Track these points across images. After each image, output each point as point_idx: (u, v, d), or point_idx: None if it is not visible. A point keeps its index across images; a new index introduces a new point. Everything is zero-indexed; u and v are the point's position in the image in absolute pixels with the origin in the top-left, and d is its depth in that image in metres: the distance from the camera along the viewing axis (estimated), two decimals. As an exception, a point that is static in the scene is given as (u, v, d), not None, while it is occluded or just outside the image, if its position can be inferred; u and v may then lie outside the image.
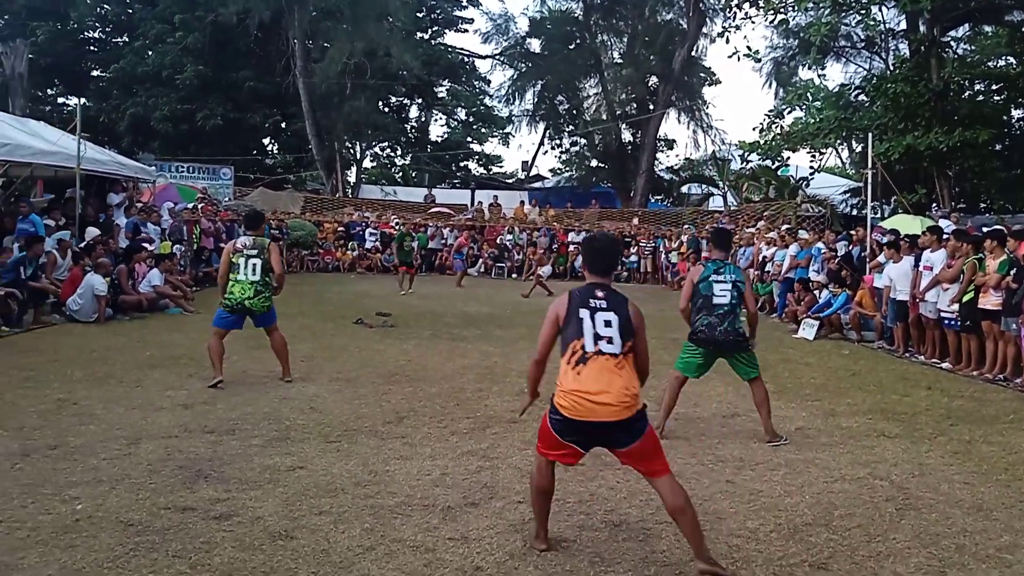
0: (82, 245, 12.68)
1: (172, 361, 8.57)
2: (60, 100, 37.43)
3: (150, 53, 32.77)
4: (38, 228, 12.56)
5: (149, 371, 8.17)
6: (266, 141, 38.93)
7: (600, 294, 4.10)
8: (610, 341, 4.00)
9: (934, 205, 19.57)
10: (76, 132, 14.25)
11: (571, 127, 36.82)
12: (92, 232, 13.37)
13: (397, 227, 25.29)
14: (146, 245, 14.05)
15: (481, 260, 25.19)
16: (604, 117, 34.36)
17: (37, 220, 12.91)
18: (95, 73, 36.38)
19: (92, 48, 36.89)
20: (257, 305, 7.75)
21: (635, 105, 33.85)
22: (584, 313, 4.03)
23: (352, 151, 36.79)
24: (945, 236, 10.95)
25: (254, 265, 7.71)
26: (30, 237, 11.73)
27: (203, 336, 10.30)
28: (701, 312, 6.41)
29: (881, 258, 12.03)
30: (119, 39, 36.21)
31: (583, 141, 36.40)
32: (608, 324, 4.03)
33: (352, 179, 36.17)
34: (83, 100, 21.63)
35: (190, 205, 18.98)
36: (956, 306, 9.92)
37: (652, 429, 4.11)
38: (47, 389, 7.21)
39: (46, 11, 33.01)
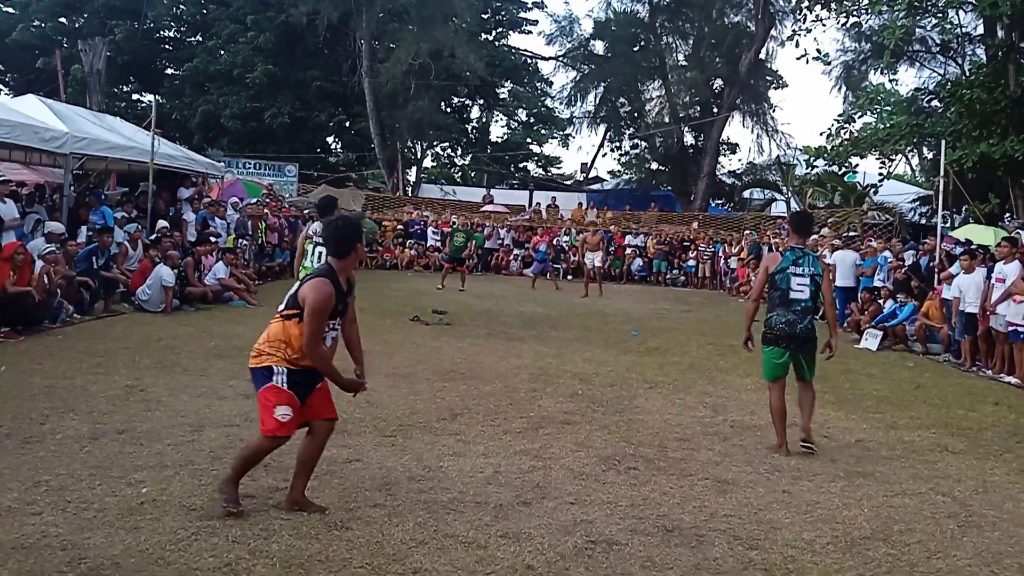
0: (151, 237, 13.08)
1: (235, 352, 8.77)
2: (135, 97, 38.67)
3: (222, 52, 33.63)
4: (107, 219, 13.01)
5: (214, 361, 8.39)
6: (330, 139, 39.62)
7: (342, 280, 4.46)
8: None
9: (1007, 215, 18.92)
10: (150, 128, 14.71)
11: (632, 129, 36.59)
12: (161, 225, 13.77)
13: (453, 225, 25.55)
14: (213, 239, 14.43)
15: (536, 261, 25.19)
16: (666, 120, 34.07)
17: (107, 212, 13.39)
18: (169, 71, 37.51)
19: (167, 47, 38.04)
20: None
21: (698, 108, 33.49)
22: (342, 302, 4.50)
23: (413, 150, 37.18)
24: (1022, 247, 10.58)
25: (320, 252, 7.69)
26: (100, 228, 12.17)
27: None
28: (778, 307, 6.09)
29: (954, 268, 11.68)
30: (193, 38, 37.27)
31: (644, 144, 36.15)
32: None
33: (412, 178, 36.56)
34: (157, 97, 22.35)
35: (255, 201, 19.39)
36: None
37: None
38: (116, 375, 7.46)
39: (124, 10, 34.14)
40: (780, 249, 6.63)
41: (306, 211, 22.78)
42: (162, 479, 4.76)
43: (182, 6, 36.84)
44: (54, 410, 6.13)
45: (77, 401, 6.45)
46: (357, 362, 4.78)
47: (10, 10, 35.11)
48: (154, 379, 7.39)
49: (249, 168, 29.06)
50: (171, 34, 38.40)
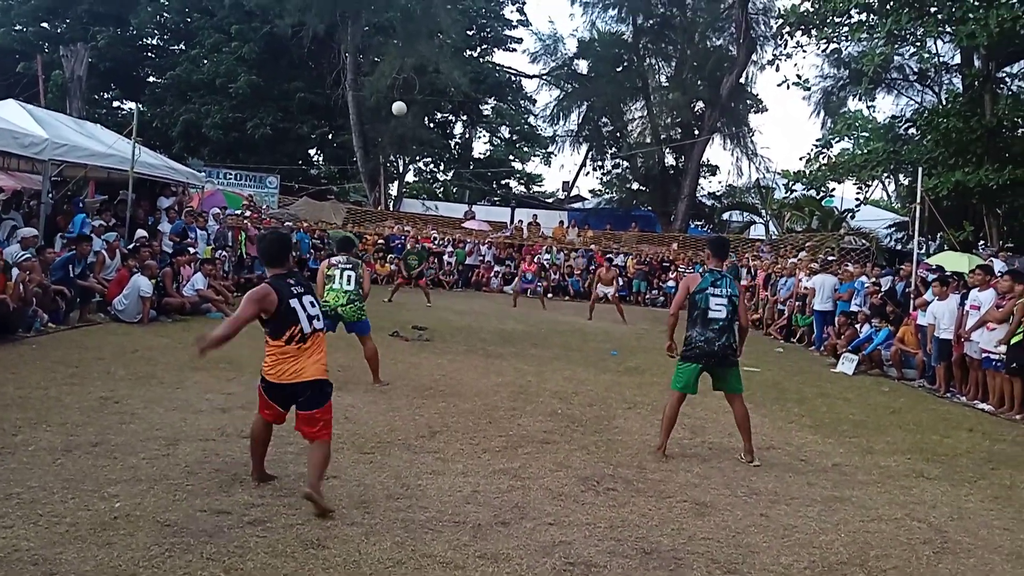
0: (130, 247, 12.96)
1: (212, 365, 8.68)
2: (116, 104, 38.40)
3: (205, 61, 33.49)
4: (75, 227, 12.91)
5: (190, 373, 8.31)
6: (312, 151, 39.48)
7: (291, 281, 4.86)
8: (318, 319, 4.88)
9: (981, 243, 19.20)
10: (131, 136, 14.60)
11: (614, 149, 36.79)
12: (140, 234, 13.66)
13: (435, 241, 25.52)
14: (191, 249, 14.32)
15: (517, 279, 25.21)
16: (648, 140, 34.30)
17: (77, 220, 13.26)
18: (151, 79, 37.28)
19: (150, 54, 37.82)
20: (348, 312, 8.49)
21: (680, 129, 33.74)
22: (293, 302, 4.75)
23: (396, 165, 37.15)
24: (999, 273, 10.73)
25: (348, 276, 8.55)
26: (76, 236, 12.06)
27: (242, 341, 10.42)
28: (696, 325, 6.48)
29: (928, 295, 11.82)
30: (176, 47, 37.07)
31: (625, 163, 36.35)
32: (313, 304, 4.87)
33: (394, 192, 36.52)
34: (139, 105, 22.21)
35: (237, 211, 19.29)
36: (1002, 347, 9.71)
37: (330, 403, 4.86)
38: (91, 386, 7.37)
39: (107, 16, 33.95)
40: (701, 271, 7.06)
41: (286, 223, 22.70)
42: (136, 493, 4.70)
43: (166, 14, 36.66)
44: (27, 421, 6.04)
45: (51, 412, 6.35)
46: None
47: (-9, 14, 34.84)
48: (129, 391, 7.30)
49: (230, 179, 28.94)
50: (154, 42, 38.19)
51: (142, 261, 12.17)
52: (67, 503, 4.48)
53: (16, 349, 8.97)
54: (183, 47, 36.21)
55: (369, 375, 8.63)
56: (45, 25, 35.26)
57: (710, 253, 7.12)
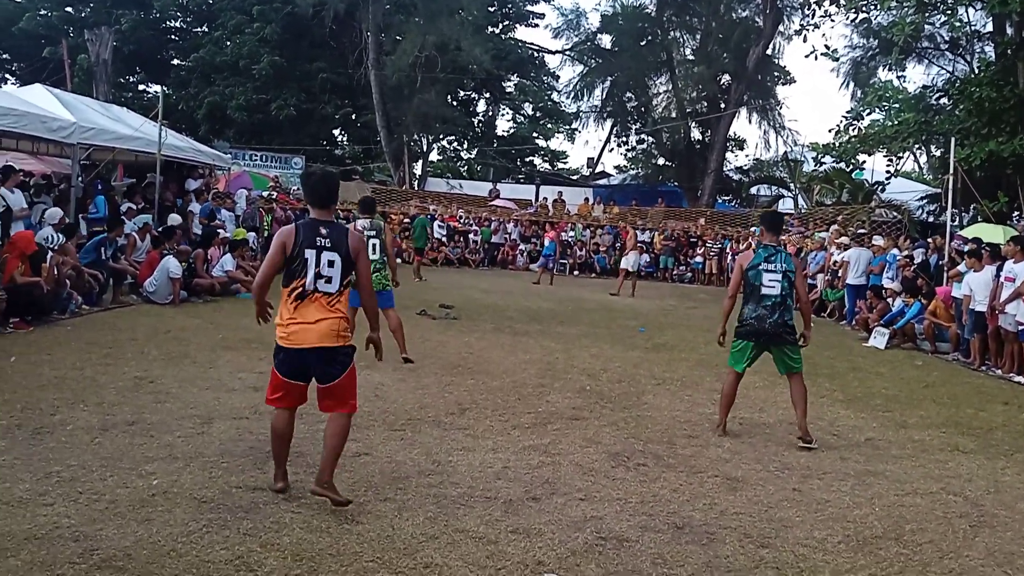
0: (160, 229, 13.08)
1: (243, 344, 8.78)
2: (141, 87, 38.67)
3: (228, 43, 33.60)
4: (98, 209, 13.06)
5: (222, 352, 8.40)
6: (336, 132, 39.56)
7: (324, 231, 4.37)
8: (328, 281, 4.36)
9: (1016, 214, 18.85)
10: (158, 119, 14.69)
11: (639, 124, 36.48)
12: (175, 219, 13.77)
13: (461, 220, 25.52)
14: (220, 231, 14.42)
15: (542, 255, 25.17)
16: (673, 115, 33.97)
17: (99, 201, 13.40)
18: (175, 62, 37.47)
19: (173, 37, 38.01)
20: (376, 282, 7.94)
21: (706, 103, 33.39)
22: (310, 253, 4.32)
23: (419, 144, 37.12)
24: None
25: (373, 244, 8.18)
26: (109, 220, 12.22)
27: (273, 320, 10.56)
28: (749, 302, 6.34)
29: (962, 267, 11.63)
30: (199, 29, 37.22)
31: (650, 139, 36.06)
32: (331, 264, 4.35)
33: (418, 172, 36.52)
34: (164, 88, 22.32)
35: (265, 193, 19.39)
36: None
37: (354, 368, 4.49)
38: (125, 367, 7.47)
39: (130, 0, 34.11)
40: (754, 247, 6.68)
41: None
42: (172, 471, 4.77)
43: (188, -4, 36.81)
44: (64, 401, 6.14)
45: (87, 392, 6.45)
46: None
47: (17, -1, 35.14)
48: (163, 371, 7.39)
49: (255, 160, 29.10)
50: (177, 24, 38.36)
51: (174, 245, 12.28)
52: (106, 481, 4.55)
53: (51, 331, 9.11)
54: (206, 29, 36.35)
55: (397, 351, 8.65)
56: (69, 9, 35.49)
57: (764, 228, 6.93)
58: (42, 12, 34.95)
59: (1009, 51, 18.59)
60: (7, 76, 38.41)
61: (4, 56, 38.08)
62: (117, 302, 11.50)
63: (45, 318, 9.51)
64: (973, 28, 21.13)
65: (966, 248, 12.22)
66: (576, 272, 24.22)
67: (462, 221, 25.52)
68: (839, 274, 15.66)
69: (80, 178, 13.25)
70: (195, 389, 6.76)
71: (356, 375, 4.55)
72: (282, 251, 4.34)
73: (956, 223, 16.51)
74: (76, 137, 12.38)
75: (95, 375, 7.06)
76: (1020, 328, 9.94)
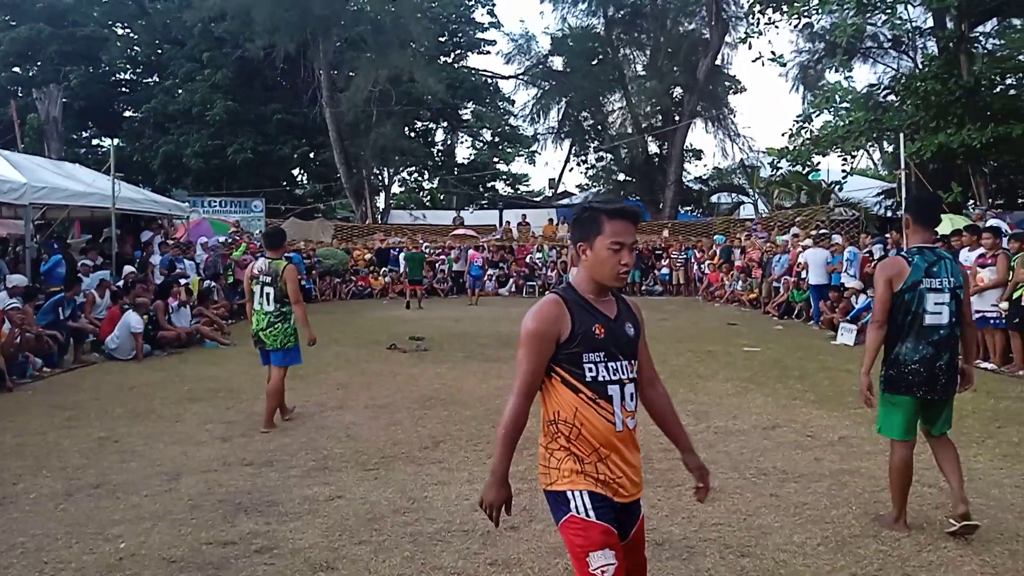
0: (119, 284, 12.90)
1: (210, 395, 8.64)
2: (95, 142, 38.34)
3: (180, 91, 33.48)
4: (47, 265, 12.91)
5: (188, 405, 8.25)
6: (295, 172, 39.48)
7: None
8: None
9: (971, 203, 19.21)
10: (110, 173, 14.55)
11: (597, 142, 36.87)
12: (128, 270, 13.60)
13: (426, 250, 25.48)
14: (182, 280, 14.26)
15: (512, 280, 25.20)
16: (629, 130, 34.36)
17: (52, 260, 13.23)
18: (128, 113, 37.24)
19: (124, 89, 37.79)
20: (269, 338, 7.07)
21: (660, 117, 33.81)
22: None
23: (380, 177, 37.13)
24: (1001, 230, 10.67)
25: (267, 294, 7.03)
26: (67, 279, 12.03)
27: (239, 369, 10.44)
28: (906, 338, 4.39)
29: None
30: (150, 79, 37.07)
31: (609, 156, 36.45)
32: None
33: (381, 205, 36.49)
34: (116, 141, 22.23)
35: (223, 239, 19.24)
36: (1004, 304, 9.70)
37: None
38: (89, 428, 7.30)
39: (78, 55, 33.91)
40: (903, 253, 4.51)
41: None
42: (140, 532, 4.64)
43: (136, 48, 36.65)
44: (26, 468, 5.97)
45: (50, 457, 6.29)
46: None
47: (-38, 62, 34.74)
48: (128, 428, 7.23)
49: (215, 206, 28.88)
50: (127, 76, 38.16)
51: (134, 298, 12.10)
52: (71, 548, 4.42)
53: (12, 397, 8.90)
54: (156, 79, 36.22)
55: (368, 391, 8.56)
56: (17, 70, 35.21)
57: (912, 219, 4.59)
58: (-11, 74, 34.65)
59: (951, 44, 19.03)
60: (-44, 140, 37.89)
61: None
62: (79, 361, 11.29)
63: (3, 384, 9.29)
64: (914, 25, 21.64)
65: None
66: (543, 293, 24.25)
67: (427, 251, 25.44)
68: (803, 276, 15.82)
69: (35, 238, 13.05)
70: (161, 445, 6.62)
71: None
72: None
73: (913, 216, 16.71)
74: (28, 197, 12.20)
75: (58, 439, 6.89)
76: (980, 315, 10.08)
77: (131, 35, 36.57)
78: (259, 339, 7.17)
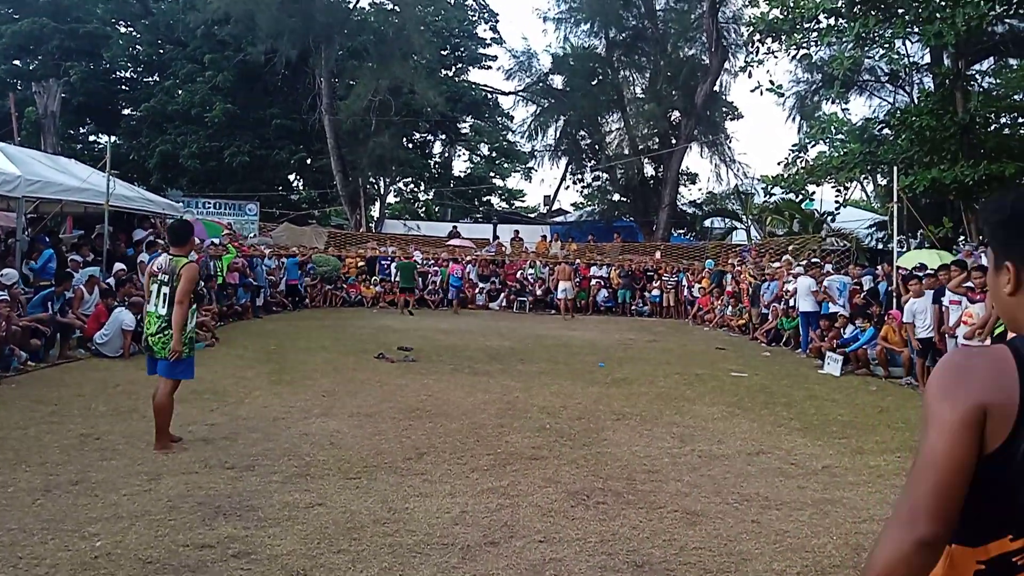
0: (109, 280, 12.84)
1: (194, 396, 8.58)
2: (92, 138, 38.19)
3: (180, 92, 33.42)
4: (40, 260, 12.81)
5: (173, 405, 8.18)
6: (291, 177, 39.41)
7: None
8: None
9: (961, 238, 19.35)
10: (106, 170, 14.51)
11: (593, 161, 36.98)
12: (118, 267, 13.55)
13: (420, 262, 25.49)
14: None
15: (503, 294, 25.20)
16: (626, 151, 34.48)
17: (45, 254, 13.15)
18: (126, 112, 37.13)
19: (124, 87, 37.70)
20: (158, 345, 6.39)
21: (657, 139, 33.94)
22: None
23: (376, 187, 37.13)
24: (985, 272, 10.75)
25: (164, 294, 6.36)
26: (57, 274, 11.96)
27: (225, 371, 10.40)
28: None
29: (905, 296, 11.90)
30: (150, 78, 36.99)
31: (605, 175, 36.54)
32: None
33: (376, 214, 36.47)
34: (113, 138, 22.13)
35: (216, 241, 19.18)
36: (987, 341, 9.75)
37: None
38: (71, 424, 7.25)
39: (80, 51, 33.82)
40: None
41: (266, 249, 22.61)
42: (117, 531, 4.60)
43: (138, 46, 36.59)
44: (5, 462, 5.92)
45: (30, 452, 6.24)
46: None
47: (-39, 53, 34.65)
48: (110, 426, 7.19)
49: (209, 208, 28.79)
50: (127, 74, 38.05)
51: (128, 296, 12.04)
52: (47, 544, 4.38)
53: (-6, 389, 8.84)
54: (157, 78, 36.14)
55: (354, 399, 8.51)
56: (17, 63, 35.08)
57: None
58: (-12, 66, 34.55)
59: (947, 81, 19.24)
60: (-48, 131, 37.73)
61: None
62: (65, 357, 11.21)
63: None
64: (911, 60, 21.87)
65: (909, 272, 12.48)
66: (529, 308, 24.26)
67: (421, 262, 25.44)
68: (792, 303, 15.89)
69: (27, 231, 12.98)
70: (143, 444, 6.57)
71: None
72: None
73: (904, 248, 16.89)
74: (21, 190, 12.16)
75: (39, 434, 6.83)
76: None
77: (134, 34, 36.49)
78: (148, 345, 6.49)
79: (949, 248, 16.87)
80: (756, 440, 7.53)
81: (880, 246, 24.56)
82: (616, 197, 36.74)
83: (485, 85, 40.37)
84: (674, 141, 32.45)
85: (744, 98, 70.52)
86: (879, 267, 15.10)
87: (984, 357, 1.48)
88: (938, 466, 1.42)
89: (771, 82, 21.38)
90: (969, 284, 10.34)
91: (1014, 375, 1.43)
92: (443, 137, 41.04)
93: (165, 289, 6.37)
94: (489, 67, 40.64)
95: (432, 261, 25.72)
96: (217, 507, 5.07)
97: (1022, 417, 1.40)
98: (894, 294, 13.18)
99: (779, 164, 24.25)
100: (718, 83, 32.07)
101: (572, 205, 43.98)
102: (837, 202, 24.90)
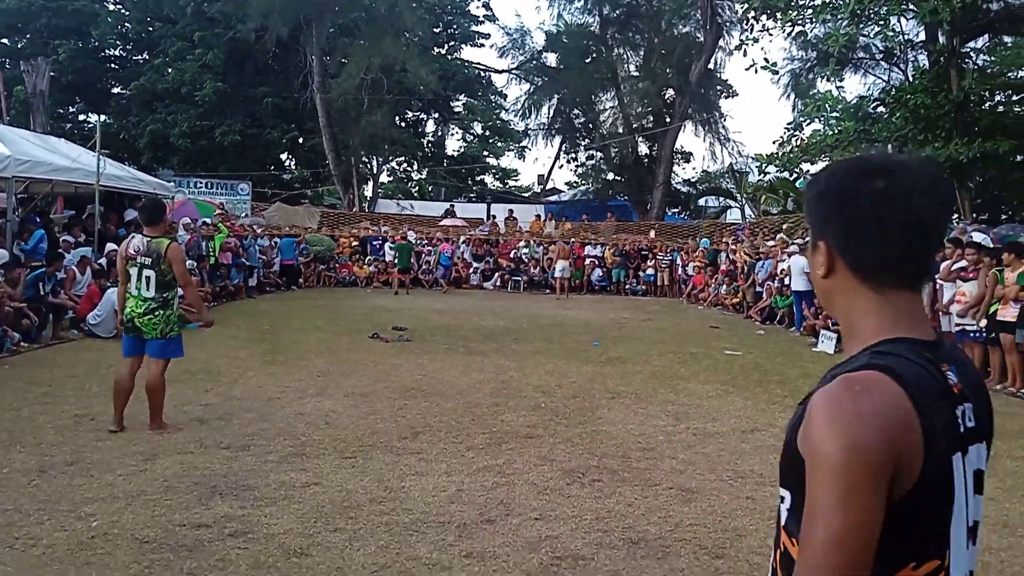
0: (100, 261, 12.78)
1: (188, 376, 8.57)
2: (81, 117, 37.86)
3: (170, 70, 33.11)
4: (32, 241, 12.73)
5: (166, 386, 8.16)
6: (283, 156, 39.19)
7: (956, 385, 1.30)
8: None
9: (955, 216, 19.37)
10: (96, 149, 14.39)
11: (587, 140, 36.83)
12: (110, 247, 13.49)
13: (414, 241, 25.42)
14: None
15: (497, 274, 25.17)
16: (620, 130, 34.35)
17: (36, 235, 13.07)
18: (116, 90, 36.77)
19: (113, 66, 37.33)
20: (147, 326, 6.33)
21: (652, 118, 33.83)
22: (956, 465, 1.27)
23: (369, 166, 36.93)
24: (977, 248, 10.75)
25: (147, 278, 6.30)
26: (48, 255, 11.89)
27: (219, 351, 10.38)
28: None
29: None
30: (140, 56, 36.61)
31: (599, 154, 36.41)
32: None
33: (369, 194, 36.32)
34: (103, 117, 21.95)
35: (209, 220, 19.09)
36: (983, 321, 9.79)
37: None
38: (65, 405, 7.24)
39: (68, 29, 33.46)
40: None
41: (258, 228, 22.51)
42: (113, 511, 4.61)
43: (127, 24, 36.17)
44: (-1, 443, 5.92)
45: (24, 433, 6.23)
46: None
47: (-51, 32, 34.26)
48: (104, 407, 7.15)
49: (200, 187, 28.65)
50: (117, 53, 37.65)
51: (116, 276, 11.98)
52: (43, 525, 4.38)
53: (-13, 370, 8.81)
54: (146, 56, 35.76)
55: (349, 379, 8.50)
56: (5, 41, 34.71)
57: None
58: (-25, 44, 34.19)
59: (942, 59, 19.16)
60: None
61: (-64, 89, 37.05)
62: (57, 338, 11.17)
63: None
64: (906, 37, 21.77)
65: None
66: (525, 289, 24.26)
67: (415, 242, 25.36)
68: (786, 282, 15.90)
69: (17, 212, 12.89)
70: (137, 424, 6.56)
71: None
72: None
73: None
74: (11, 170, 12.04)
75: (32, 415, 6.82)
76: (959, 329, 10.18)
77: (122, 11, 36.07)
78: (134, 326, 6.37)
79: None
80: (750, 418, 7.56)
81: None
82: (610, 176, 36.66)
83: (478, 63, 40.10)
84: (668, 120, 32.34)
85: (739, 76, 70.36)
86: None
87: (873, 391, 1.18)
88: (854, 546, 1.13)
89: (766, 60, 21.29)
90: (961, 264, 10.37)
91: (908, 404, 1.18)
92: (436, 116, 40.79)
93: (148, 272, 6.29)
94: (482, 45, 40.34)
95: (426, 241, 25.65)
96: (213, 487, 5.07)
97: (928, 451, 1.17)
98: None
99: (774, 143, 24.28)
100: (712, 61, 31.91)
101: (566, 184, 43.90)
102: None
